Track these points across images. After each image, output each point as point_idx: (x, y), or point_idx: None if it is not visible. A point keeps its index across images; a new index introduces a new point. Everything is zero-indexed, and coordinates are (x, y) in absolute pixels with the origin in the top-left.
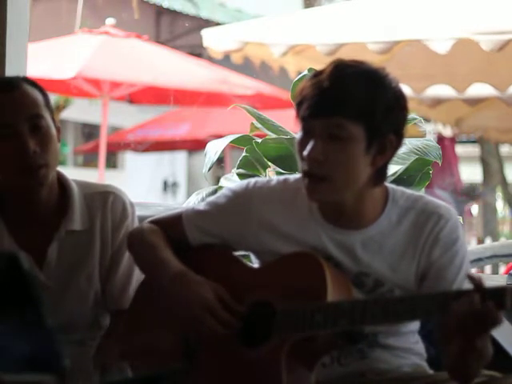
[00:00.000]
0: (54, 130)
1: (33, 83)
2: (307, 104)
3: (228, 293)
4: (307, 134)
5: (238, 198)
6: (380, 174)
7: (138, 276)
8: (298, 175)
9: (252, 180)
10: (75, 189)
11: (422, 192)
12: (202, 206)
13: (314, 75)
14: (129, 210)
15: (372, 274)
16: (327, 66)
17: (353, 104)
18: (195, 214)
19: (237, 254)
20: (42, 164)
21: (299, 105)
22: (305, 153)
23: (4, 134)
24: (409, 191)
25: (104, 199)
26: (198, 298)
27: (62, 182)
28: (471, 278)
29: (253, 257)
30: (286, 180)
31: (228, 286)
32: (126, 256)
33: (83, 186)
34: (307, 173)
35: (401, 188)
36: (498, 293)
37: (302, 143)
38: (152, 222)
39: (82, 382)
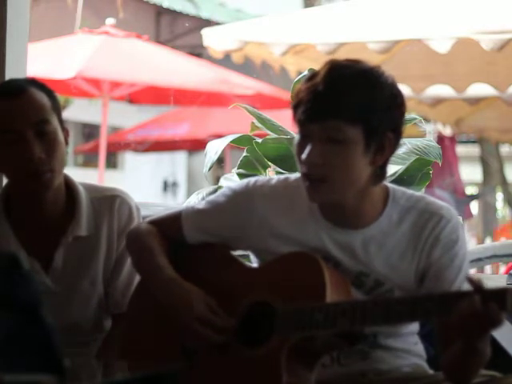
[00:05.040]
0: (60, 135)
1: (41, 86)
2: (303, 108)
3: (225, 293)
4: (305, 138)
5: (238, 197)
6: (380, 173)
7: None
8: (298, 174)
9: (252, 179)
10: (82, 193)
11: (422, 192)
12: (201, 205)
13: (310, 77)
14: (135, 214)
15: (372, 273)
16: (322, 67)
17: (349, 106)
18: (194, 213)
19: (236, 253)
20: (47, 169)
21: (296, 108)
22: (303, 156)
23: (10, 139)
24: (410, 191)
25: (111, 203)
26: (187, 307)
27: (69, 185)
28: (470, 281)
29: (252, 256)
30: (286, 179)
31: (225, 286)
32: (129, 260)
33: (90, 189)
34: (306, 175)
35: (401, 188)
36: (499, 294)
37: (300, 146)
38: (150, 222)
39: (84, 382)
